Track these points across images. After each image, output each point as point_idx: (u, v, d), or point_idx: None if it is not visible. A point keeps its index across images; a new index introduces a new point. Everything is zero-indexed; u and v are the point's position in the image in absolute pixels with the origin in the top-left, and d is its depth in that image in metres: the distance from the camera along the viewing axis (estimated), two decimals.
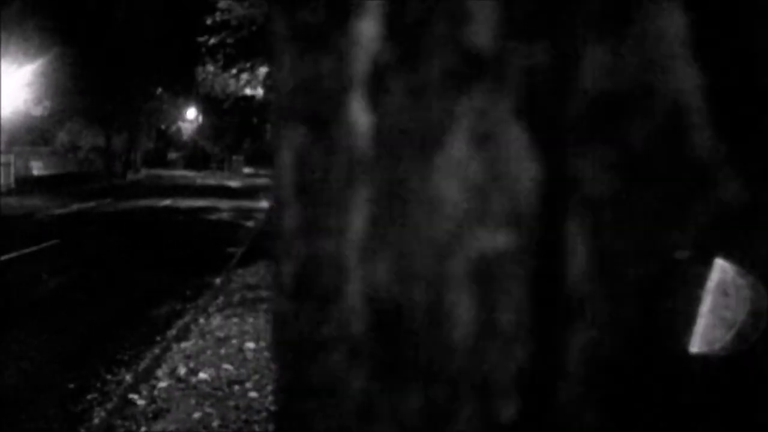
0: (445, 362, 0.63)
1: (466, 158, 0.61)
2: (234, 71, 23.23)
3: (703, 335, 0.62)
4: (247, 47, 17.70)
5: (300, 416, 0.70)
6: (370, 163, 0.64)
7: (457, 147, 0.61)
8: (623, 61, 0.61)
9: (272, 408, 7.99)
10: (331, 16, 0.65)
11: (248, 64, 21.36)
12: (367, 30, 0.63)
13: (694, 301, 0.62)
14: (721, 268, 0.62)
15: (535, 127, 0.61)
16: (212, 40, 17.31)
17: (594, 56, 0.60)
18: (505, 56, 0.61)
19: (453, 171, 0.62)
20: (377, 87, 0.64)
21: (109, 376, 9.37)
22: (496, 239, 0.61)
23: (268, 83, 26.62)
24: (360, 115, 0.64)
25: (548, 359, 0.62)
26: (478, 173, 0.61)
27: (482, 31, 0.61)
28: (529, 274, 0.61)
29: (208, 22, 17.04)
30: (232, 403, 8.14)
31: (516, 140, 0.61)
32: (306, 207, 0.69)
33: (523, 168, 0.61)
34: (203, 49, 19.66)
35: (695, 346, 0.62)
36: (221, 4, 16.66)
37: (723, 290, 0.62)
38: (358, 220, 0.65)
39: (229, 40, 17.06)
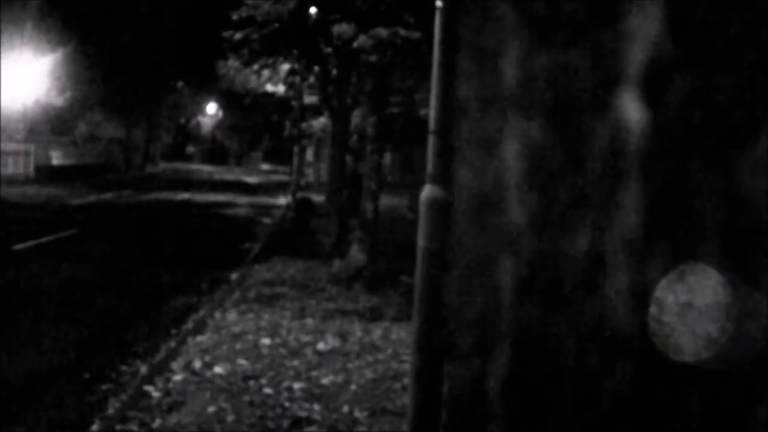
0: (744, 363, 0.61)
1: None
2: (256, 67, 23.22)
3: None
4: (271, 44, 17.70)
5: (522, 412, 0.68)
6: (646, 158, 0.62)
7: None
8: None
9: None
10: (593, 10, 0.63)
11: (270, 61, 21.35)
12: (645, 26, 0.61)
13: None
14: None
15: None
16: (237, 35, 17.30)
17: None
18: None
19: (763, 168, 0.59)
20: (657, 83, 0.61)
21: (124, 367, 9.37)
22: None
23: (289, 80, 26.62)
24: (633, 110, 0.62)
25: None
26: None
27: None
28: None
29: (234, 17, 17.05)
30: (246, 398, 8.12)
31: None
32: (542, 202, 0.66)
33: None
34: (226, 44, 19.64)
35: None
36: (249, 2, 16.67)
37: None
38: (627, 216, 0.62)
39: (254, 36, 17.05)
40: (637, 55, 0.62)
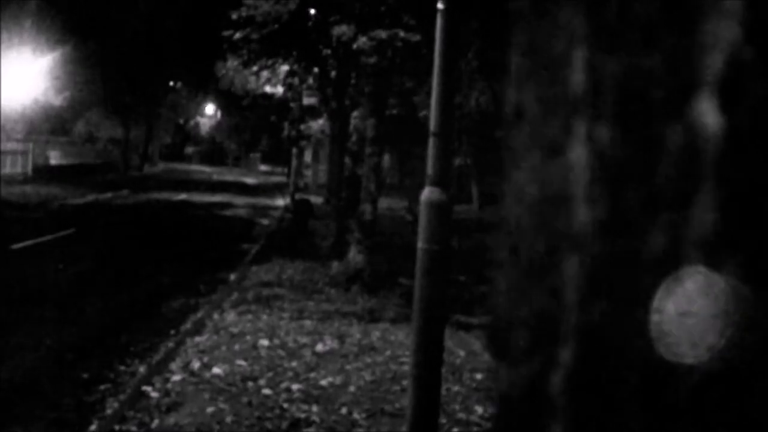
0: None
1: None
2: (255, 68, 23.24)
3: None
4: (270, 44, 17.70)
5: (587, 411, 0.68)
6: (722, 162, 0.62)
7: None
8: None
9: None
10: (668, 15, 0.63)
11: (270, 62, 21.36)
12: (723, 31, 0.61)
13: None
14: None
15: None
16: (237, 35, 17.28)
17: None
18: None
19: None
20: (732, 88, 0.61)
21: (122, 368, 9.37)
22: None
23: (288, 82, 26.66)
24: (709, 115, 0.62)
25: None
26: None
27: None
28: None
29: (234, 17, 17.04)
30: (245, 399, 8.12)
31: None
32: (611, 203, 0.66)
33: None
34: (225, 45, 19.66)
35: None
36: (248, 2, 16.65)
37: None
38: (701, 220, 0.62)
39: (254, 36, 17.03)
40: (714, 60, 0.62)
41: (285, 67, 23.81)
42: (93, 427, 7.47)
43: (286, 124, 44.40)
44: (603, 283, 0.67)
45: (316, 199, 29.39)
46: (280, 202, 36.07)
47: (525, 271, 0.71)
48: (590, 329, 0.67)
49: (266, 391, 8.41)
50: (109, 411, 7.89)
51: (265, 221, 28.40)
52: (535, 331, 0.71)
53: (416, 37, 14.09)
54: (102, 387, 8.67)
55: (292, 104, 35.36)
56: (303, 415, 7.76)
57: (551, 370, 0.69)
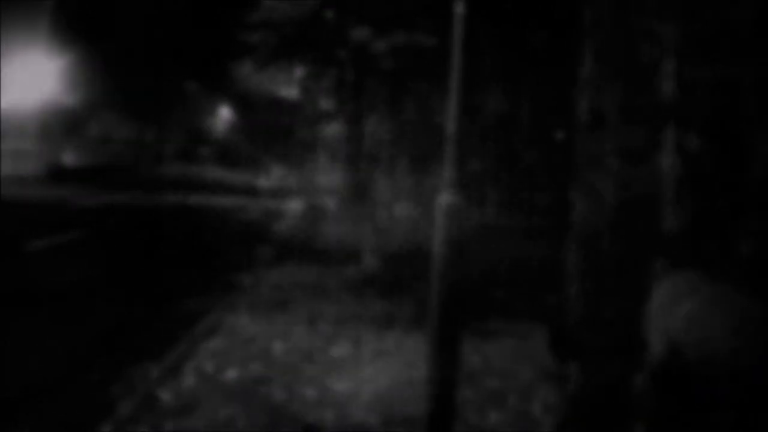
0: None
1: None
2: (271, 70, 23.26)
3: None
4: (287, 47, 17.66)
5: (674, 408, 0.63)
6: None
7: None
8: None
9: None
10: (762, 25, 0.58)
11: (286, 64, 21.37)
12: None
13: None
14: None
15: None
16: (255, 37, 17.25)
17: None
18: None
19: None
20: None
21: (134, 370, 9.32)
22: None
23: (304, 85, 26.64)
24: None
25: None
26: None
27: None
28: None
29: (253, 18, 17.00)
30: (258, 403, 8.07)
31: None
32: (698, 209, 0.61)
33: None
34: (241, 47, 19.64)
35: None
36: (266, 4, 16.63)
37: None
38: None
39: (271, 39, 16.99)
40: None
41: (301, 70, 23.80)
42: (105, 428, 7.42)
43: (300, 127, 44.48)
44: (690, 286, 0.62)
45: (331, 203, 29.34)
46: (294, 205, 36.04)
47: (603, 274, 0.67)
48: (677, 330, 0.62)
49: (280, 395, 8.36)
50: (121, 413, 7.84)
51: (279, 225, 28.36)
52: (614, 332, 0.66)
53: (432, 41, 14.05)
54: (113, 389, 8.63)
55: (307, 107, 35.35)
56: (317, 420, 7.71)
57: (634, 371, 0.65)
